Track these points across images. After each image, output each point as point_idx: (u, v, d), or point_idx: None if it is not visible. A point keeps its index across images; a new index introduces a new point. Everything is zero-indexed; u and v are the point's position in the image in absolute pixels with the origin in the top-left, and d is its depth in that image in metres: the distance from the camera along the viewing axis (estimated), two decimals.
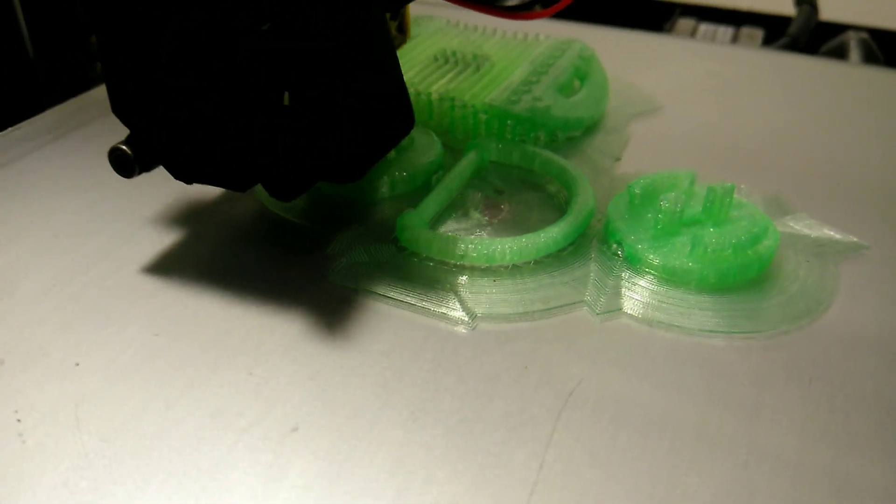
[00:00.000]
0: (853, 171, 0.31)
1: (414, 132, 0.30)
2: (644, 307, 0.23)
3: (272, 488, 0.17)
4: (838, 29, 0.51)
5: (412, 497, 0.17)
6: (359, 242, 0.25)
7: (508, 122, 0.31)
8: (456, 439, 0.19)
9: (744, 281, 0.24)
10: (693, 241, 0.24)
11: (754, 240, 0.24)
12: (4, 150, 0.31)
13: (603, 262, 0.24)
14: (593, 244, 0.25)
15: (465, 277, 0.24)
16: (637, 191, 0.25)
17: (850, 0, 0.54)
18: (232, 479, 0.18)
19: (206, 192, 0.28)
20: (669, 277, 0.24)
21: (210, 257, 0.25)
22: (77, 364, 0.21)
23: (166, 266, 0.24)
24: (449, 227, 0.26)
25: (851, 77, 0.40)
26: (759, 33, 0.54)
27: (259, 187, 0.23)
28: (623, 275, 0.24)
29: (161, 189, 0.28)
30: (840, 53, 0.49)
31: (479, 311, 0.22)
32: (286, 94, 0.21)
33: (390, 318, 0.22)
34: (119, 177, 0.23)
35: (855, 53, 0.49)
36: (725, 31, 0.55)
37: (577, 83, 0.34)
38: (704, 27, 0.56)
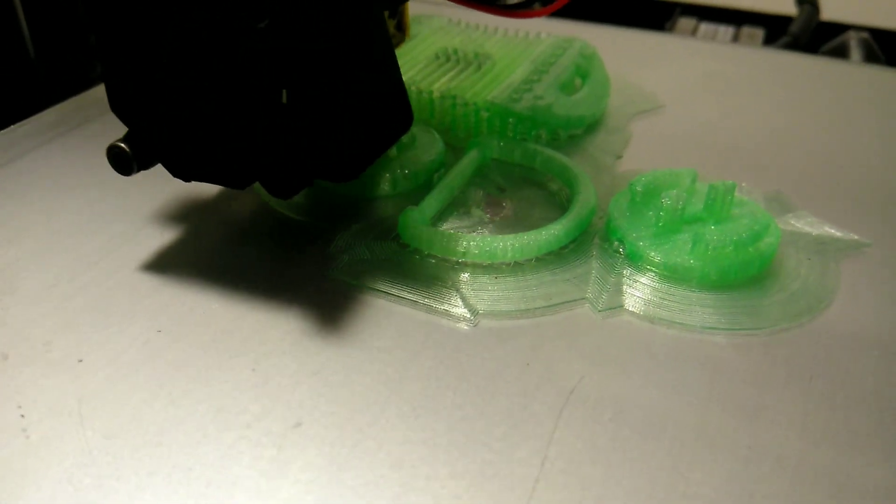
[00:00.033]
0: (854, 169, 0.31)
1: (416, 130, 0.30)
2: (645, 304, 0.23)
3: (275, 483, 0.17)
4: (839, 28, 0.51)
5: (414, 493, 0.17)
6: (361, 240, 0.25)
7: (510, 120, 0.31)
8: (458, 435, 0.19)
9: (745, 278, 0.24)
10: (694, 239, 0.24)
11: (755, 237, 0.24)
12: (5, 148, 0.31)
13: (604, 260, 0.24)
14: (595, 241, 0.25)
15: (466, 274, 0.24)
16: (638, 188, 0.26)
17: (851, 0, 0.54)
18: (235, 474, 0.18)
19: (207, 189, 0.28)
20: (671, 275, 0.24)
21: (212, 254, 0.25)
22: (80, 361, 0.21)
23: (168, 264, 0.24)
24: (451, 225, 0.26)
25: (852, 76, 0.40)
26: (759, 33, 0.54)
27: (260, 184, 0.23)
28: (624, 272, 0.24)
29: (162, 187, 0.28)
30: (841, 53, 0.49)
31: (480, 308, 0.22)
32: (284, 93, 0.21)
33: (392, 314, 0.23)
34: (120, 175, 0.23)
35: (856, 53, 0.49)
36: (726, 31, 0.55)
37: (578, 81, 0.34)
38: (705, 26, 0.56)
